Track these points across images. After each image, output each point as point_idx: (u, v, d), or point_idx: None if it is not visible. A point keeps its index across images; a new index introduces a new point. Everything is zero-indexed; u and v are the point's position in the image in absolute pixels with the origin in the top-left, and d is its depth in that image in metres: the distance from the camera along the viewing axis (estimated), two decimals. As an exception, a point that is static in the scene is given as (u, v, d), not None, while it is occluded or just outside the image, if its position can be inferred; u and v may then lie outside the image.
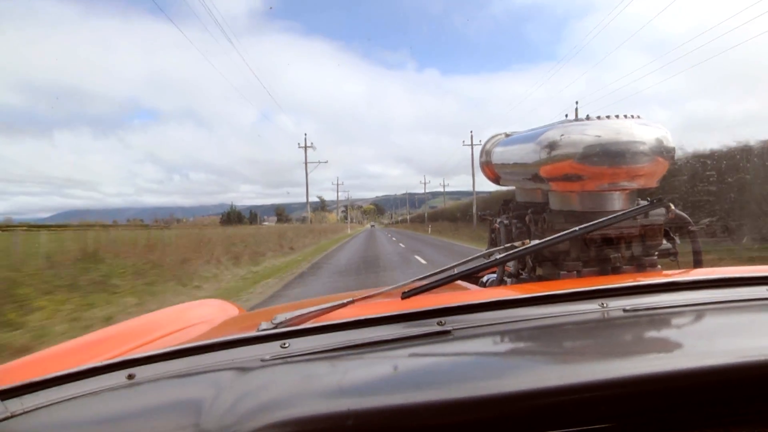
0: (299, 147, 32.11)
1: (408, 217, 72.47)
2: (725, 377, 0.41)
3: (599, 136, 0.85)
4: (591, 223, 0.76)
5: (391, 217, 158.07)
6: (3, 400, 0.47)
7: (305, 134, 34.32)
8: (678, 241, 0.96)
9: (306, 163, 32.17)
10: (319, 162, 33.22)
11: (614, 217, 0.77)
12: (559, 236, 0.74)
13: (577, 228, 0.75)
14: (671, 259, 0.96)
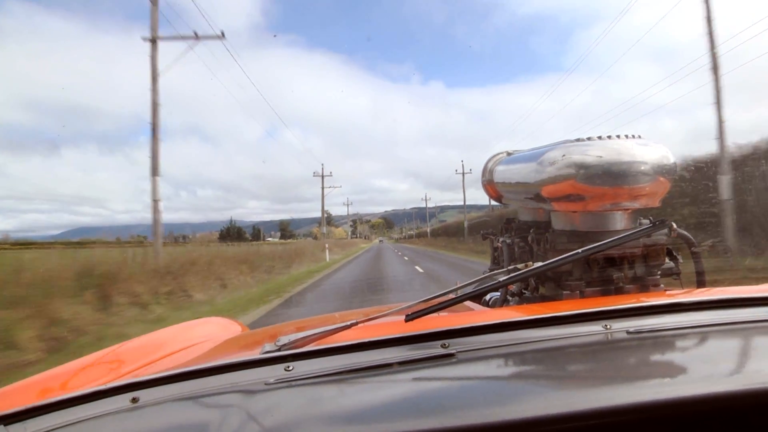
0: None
1: (428, 230, 57.21)
2: (731, 404, 0.41)
3: (601, 157, 0.85)
4: (594, 245, 0.76)
5: (402, 232, 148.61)
6: (5, 425, 0.47)
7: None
8: (680, 260, 0.96)
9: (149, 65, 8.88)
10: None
11: (618, 238, 0.77)
12: (562, 258, 0.74)
13: (580, 250, 0.75)
14: (674, 278, 0.96)
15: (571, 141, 0.92)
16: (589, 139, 0.90)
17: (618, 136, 0.89)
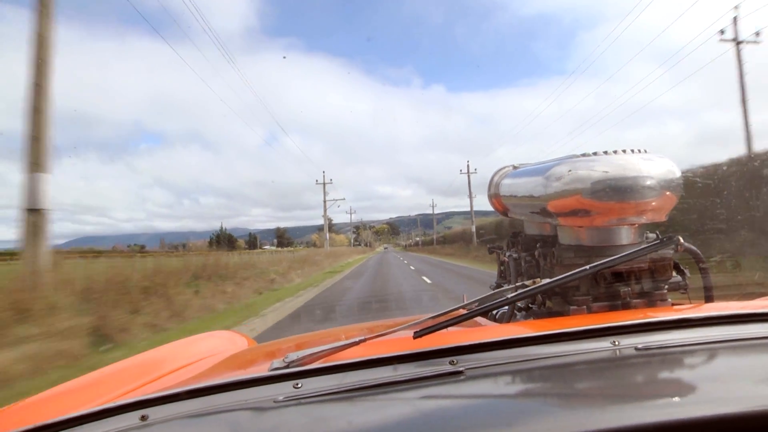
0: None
1: (473, 228, 30.34)
2: (742, 426, 0.40)
3: (607, 172, 0.86)
4: (600, 262, 0.76)
5: (409, 238, 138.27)
6: None
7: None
8: (688, 274, 0.96)
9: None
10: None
11: (625, 255, 0.77)
12: (570, 275, 0.74)
13: (587, 267, 0.75)
14: (681, 292, 0.95)
15: (577, 156, 0.92)
16: (594, 154, 0.91)
17: (624, 151, 0.89)
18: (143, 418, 0.50)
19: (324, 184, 34.32)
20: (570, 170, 0.88)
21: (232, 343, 1.14)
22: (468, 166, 35.73)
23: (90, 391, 0.79)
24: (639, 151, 0.90)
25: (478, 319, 1.08)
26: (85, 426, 0.50)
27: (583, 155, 0.91)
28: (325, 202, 33.80)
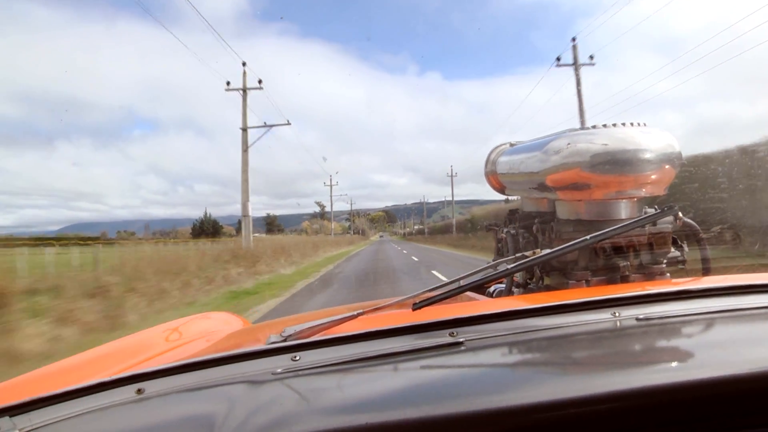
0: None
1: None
2: (740, 387, 0.41)
3: (606, 145, 0.85)
4: (600, 232, 0.76)
5: (404, 226, 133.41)
6: (12, 416, 0.47)
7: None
8: (686, 248, 0.96)
9: None
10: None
11: (623, 226, 0.77)
12: (569, 246, 0.74)
13: (587, 237, 0.75)
14: (680, 266, 0.95)
15: (576, 129, 0.91)
16: (594, 127, 0.90)
17: (623, 124, 0.88)
18: (139, 391, 0.50)
19: (244, 89, 13.82)
20: (569, 143, 0.88)
21: (228, 324, 1.14)
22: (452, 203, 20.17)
23: (86, 368, 0.80)
24: (638, 124, 0.89)
25: (476, 296, 1.08)
26: (81, 399, 0.50)
27: (582, 128, 0.90)
28: (248, 135, 14.36)
